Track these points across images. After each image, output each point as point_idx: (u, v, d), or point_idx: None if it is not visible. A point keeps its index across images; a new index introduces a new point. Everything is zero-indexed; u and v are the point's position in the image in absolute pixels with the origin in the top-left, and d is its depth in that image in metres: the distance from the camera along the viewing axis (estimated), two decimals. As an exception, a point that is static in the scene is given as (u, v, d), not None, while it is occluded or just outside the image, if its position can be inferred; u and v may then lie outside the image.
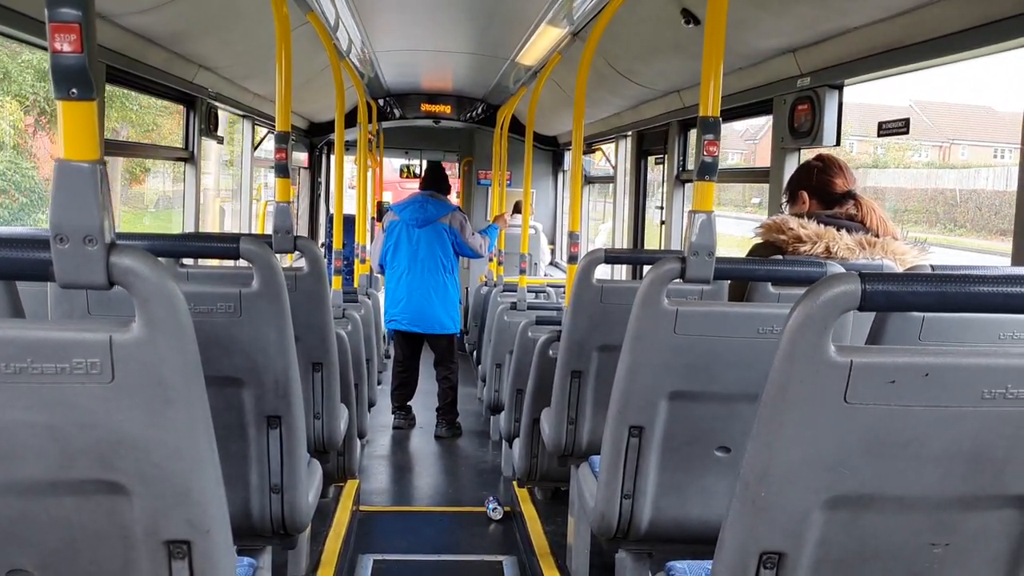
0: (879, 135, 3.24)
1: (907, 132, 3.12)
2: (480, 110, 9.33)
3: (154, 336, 1.19)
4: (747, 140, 21.10)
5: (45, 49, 3.30)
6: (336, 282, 4.43)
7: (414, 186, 10.99)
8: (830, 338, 1.22)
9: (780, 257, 2.61)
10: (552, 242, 10.33)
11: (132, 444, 1.23)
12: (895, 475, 1.29)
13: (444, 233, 5.97)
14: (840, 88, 3.53)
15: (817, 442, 1.26)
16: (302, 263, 2.76)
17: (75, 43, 1.14)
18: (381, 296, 6.83)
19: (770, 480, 1.28)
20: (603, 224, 9.98)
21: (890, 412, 1.24)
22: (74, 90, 1.17)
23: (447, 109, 9.32)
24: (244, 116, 6.47)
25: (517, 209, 9.34)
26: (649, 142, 6.42)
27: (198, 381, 1.24)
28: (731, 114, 4.49)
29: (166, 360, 1.20)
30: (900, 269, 2.58)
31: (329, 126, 8.91)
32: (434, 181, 6.16)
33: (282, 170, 3.16)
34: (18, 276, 1.27)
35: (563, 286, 5.68)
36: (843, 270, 2.03)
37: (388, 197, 11.62)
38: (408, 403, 6.42)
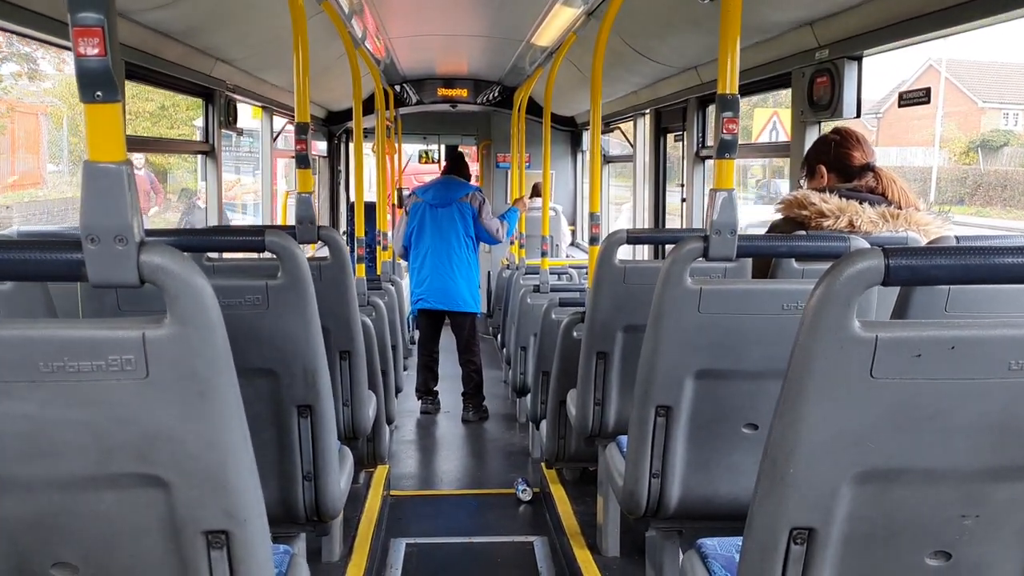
0: (900, 105, 3.21)
1: (928, 102, 3.09)
2: (497, 93, 9.29)
3: (185, 331, 1.20)
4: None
5: (58, 47, 3.34)
6: (359, 270, 4.45)
7: (430, 172, 10.96)
8: (854, 314, 1.22)
9: (803, 233, 2.60)
10: (572, 223, 10.31)
11: (168, 437, 1.25)
12: (923, 448, 1.29)
13: (467, 212, 6.08)
14: (859, 59, 3.48)
15: (844, 418, 1.26)
16: (325, 252, 2.78)
17: (99, 46, 1.15)
18: (404, 283, 6.85)
19: (797, 457, 1.29)
20: (625, 204, 9.93)
21: (916, 386, 1.24)
22: (99, 93, 1.18)
23: (464, 93, 9.30)
24: (263, 108, 6.49)
25: (536, 191, 9.32)
26: (667, 119, 6.38)
27: (230, 373, 1.26)
28: (749, 88, 4.45)
29: (198, 354, 1.22)
30: (924, 240, 2.56)
31: (347, 114, 8.92)
32: (455, 167, 6.40)
33: (303, 161, 3.16)
34: (52, 277, 1.29)
35: (585, 267, 5.67)
36: (865, 244, 2.02)
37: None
38: (434, 388, 6.46)
